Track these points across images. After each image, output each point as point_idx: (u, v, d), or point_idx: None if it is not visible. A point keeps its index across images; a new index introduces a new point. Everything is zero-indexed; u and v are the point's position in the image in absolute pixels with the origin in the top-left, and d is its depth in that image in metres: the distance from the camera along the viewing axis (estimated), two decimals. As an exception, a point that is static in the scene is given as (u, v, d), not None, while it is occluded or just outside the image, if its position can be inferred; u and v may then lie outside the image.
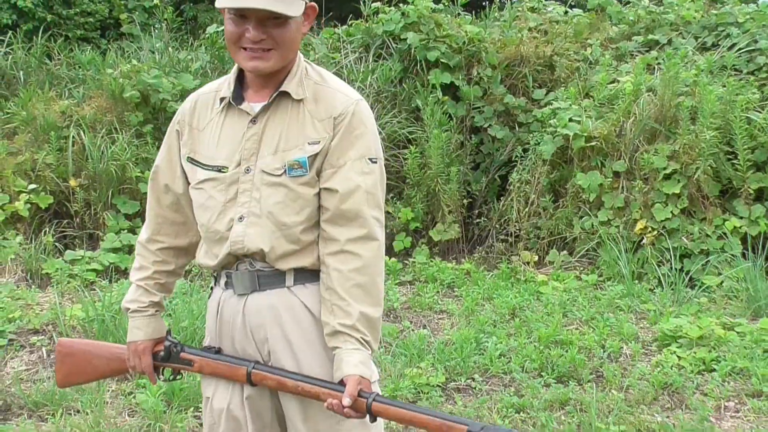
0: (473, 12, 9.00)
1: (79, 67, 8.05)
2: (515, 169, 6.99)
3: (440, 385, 4.50)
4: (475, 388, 4.51)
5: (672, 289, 5.81)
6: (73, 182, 6.67)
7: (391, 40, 7.69)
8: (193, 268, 6.03)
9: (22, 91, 7.31)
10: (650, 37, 7.85)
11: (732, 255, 5.99)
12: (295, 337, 2.23)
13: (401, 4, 7.80)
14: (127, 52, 8.57)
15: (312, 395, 2.15)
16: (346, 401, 2.07)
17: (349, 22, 8.35)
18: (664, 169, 6.34)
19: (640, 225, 6.35)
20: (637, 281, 6.09)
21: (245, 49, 2.17)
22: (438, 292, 6.13)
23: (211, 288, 2.39)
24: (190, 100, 2.38)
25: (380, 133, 2.40)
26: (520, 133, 7.30)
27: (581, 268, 6.51)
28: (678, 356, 4.74)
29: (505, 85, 7.59)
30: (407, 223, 6.93)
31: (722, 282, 5.89)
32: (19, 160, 6.67)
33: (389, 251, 6.86)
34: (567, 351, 4.77)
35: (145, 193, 6.91)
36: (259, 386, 2.23)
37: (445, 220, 6.94)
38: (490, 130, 7.38)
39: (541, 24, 8.20)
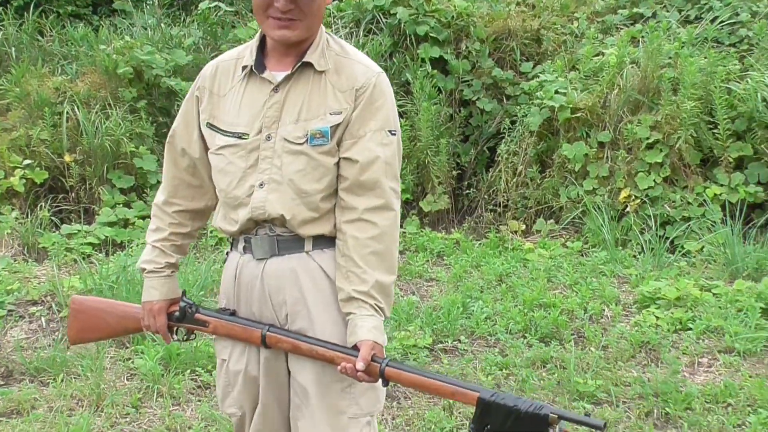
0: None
1: (72, 43, 8.12)
2: (503, 140, 7.13)
3: (427, 346, 4.66)
4: (461, 349, 4.68)
5: (654, 255, 5.97)
6: (67, 158, 6.78)
7: (381, 15, 7.80)
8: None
9: (14, 68, 7.38)
10: (635, 10, 7.96)
11: (712, 221, 6.16)
12: (312, 298, 2.28)
13: (390, -20, 7.90)
14: (120, 28, 8.65)
15: (326, 359, 2.19)
16: (360, 365, 2.12)
17: (340, -2, 8.46)
18: (647, 138, 6.49)
19: (624, 193, 6.50)
20: (620, 248, 6.26)
21: (273, 18, 2.21)
22: (428, 260, 6.29)
23: (227, 253, 2.43)
24: (210, 66, 2.40)
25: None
26: (508, 106, 7.44)
27: (567, 236, 6.68)
28: (656, 316, 4.91)
29: (493, 58, 7.71)
30: (398, 194, 7.06)
31: (702, 247, 6.07)
32: (14, 136, 6.77)
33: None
34: (550, 313, 4.94)
35: (140, 168, 6.98)
36: (274, 348, 2.29)
37: (435, 191, 7.08)
38: (479, 102, 7.51)
39: (529, -2, 8.31)
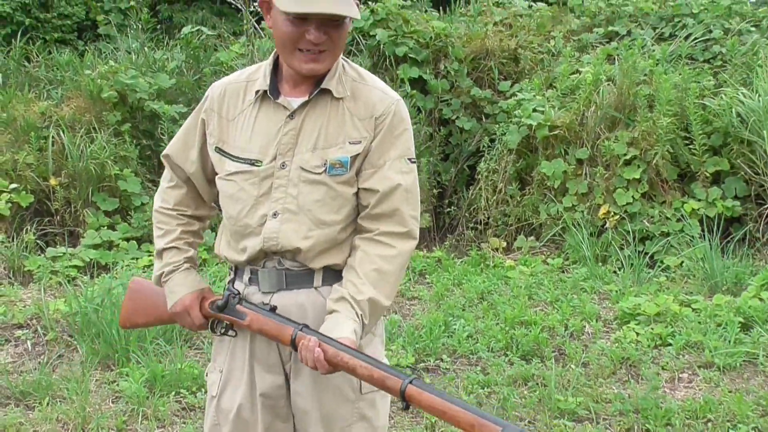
0: (440, 8, 9.23)
1: (57, 68, 8.19)
2: (483, 158, 7.22)
3: (410, 365, 4.70)
4: (443, 368, 4.73)
5: (633, 270, 6.06)
6: (53, 181, 6.82)
7: (360, 36, 7.88)
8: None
9: (1, 93, 7.45)
10: (610, 28, 8.10)
11: (690, 236, 6.26)
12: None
13: (370, 2, 8.00)
14: (104, 52, 8.72)
15: (349, 367, 2.04)
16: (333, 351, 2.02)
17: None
18: (625, 155, 6.59)
19: (603, 210, 6.60)
20: (600, 264, 6.34)
21: (301, 50, 2.12)
22: (410, 279, 6.35)
23: (229, 281, 2.34)
24: (218, 87, 2.32)
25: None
26: (486, 124, 7.54)
27: (548, 253, 6.76)
28: (636, 332, 4.98)
29: (471, 77, 7.82)
30: (380, 213, 7.13)
31: (681, 262, 6.16)
32: (0, 161, 6.81)
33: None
34: (531, 331, 5.00)
35: (125, 191, 6.97)
36: (302, 353, 2.10)
37: (417, 209, 7.14)
38: (458, 121, 7.61)
39: (506, 18, 8.44)
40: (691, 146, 6.55)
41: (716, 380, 4.40)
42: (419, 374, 4.21)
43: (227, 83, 2.32)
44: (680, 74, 6.78)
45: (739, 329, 4.89)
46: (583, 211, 6.68)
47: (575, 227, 6.55)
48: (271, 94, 2.21)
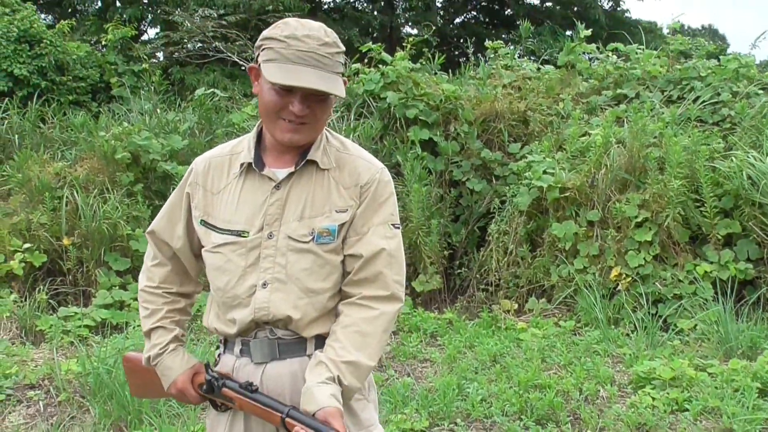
0: (449, 70, 9.35)
1: (72, 129, 8.31)
2: (493, 220, 7.25)
3: (424, 430, 4.67)
4: (458, 432, 4.69)
5: (647, 333, 6.03)
6: (66, 241, 6.86)
7: (371, 99, 7.98)
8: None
9: (17, 155, 7.56)
10: (618, 91, 8.19)
11: (704, 299, 6.23)
12: None
13: (380, 65, 8.11)
14: (118, 114, 8.84)
15: None
16: None
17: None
18: (636, 217, 6.61)
19: (614, 272, 6.59)
20: (613, 326, 6.31)
21: (284, 119, 2.16)
22: (421, 341, 6.34)
23: (219, 355, 2.35)
24: (202, 162, 2.35)
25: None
26: (497, 186, 7.59)
27: (560, 315, 6.73)
28: (652, 397, 4.93)
29: (481, 139, 7.89)
30: (390, 274, 7.13)
31: (695, 325, 6.13)
32: (15, 221, 6.87)
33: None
34: (545, 395, 4.96)
35: (137, 251, 6.98)
36: None
37: (427, 271, 7.16)
38: (468, 183, 7.66)
39: (515, 80, 8.54)
40: (702, 208, 6.57)
41: (735, 446, 4.35)
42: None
43: (211, 157, 2.35)
44: (690, 137, 6.83)
45: (757, 395, 4.84)
46: (594, 273, 6.68)
47: (587, 289, 6.54)
48: (256, 165, 2.24)
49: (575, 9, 20.03)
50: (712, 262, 6.49)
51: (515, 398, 4.95)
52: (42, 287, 6.69)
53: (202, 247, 2.32)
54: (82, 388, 5.09)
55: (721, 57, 8.13)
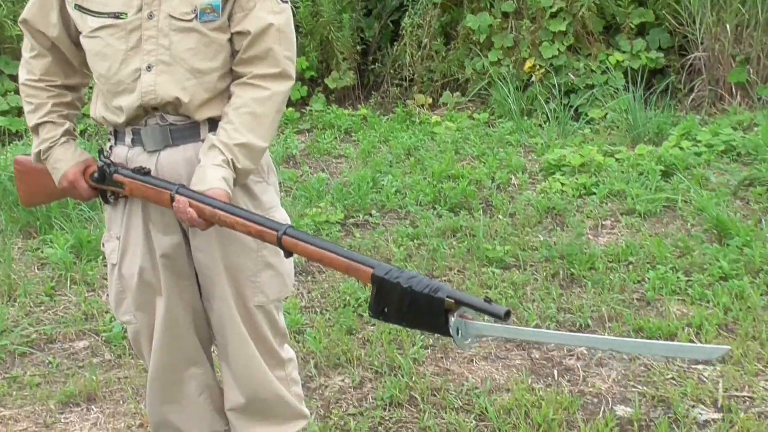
0: None
1: None
2: (407, 13, 7.06)
3: (339, 221, 4.71)
4: (372, 222, 4.75)
5: (558, 123, 6.09)
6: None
7: None
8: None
9: None
10: None
11: (615, 88, 6.29)
12: None
13: None
14: None
15: (228, 224, 2.05)
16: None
17: None
18: (551, 7, 6.52)
19: (528, 63, 6.57)
20: (526, 117, 6.36)
21: None
22: (336, 138, 6.31)
23: (110, 147, 2.27)
24: None
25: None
26: (410, -22, 7.34)
27: (473, 108, 6.75)
28: (561, 183, 5.05)
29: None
30: (302, 72, 7.00)
31: (605, 114, 6.22)
32: None
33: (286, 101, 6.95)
34: (458, 184, 5.03)
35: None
36: (177, 215, 2.10)
37: (340, 67, 7.02)
38: (381, -26, 7.39)
39: None
40: (617, -3, 6.51)
41: (637, 226, 4.51)
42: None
43: None
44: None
45: (659, 177, 4.99)
46: (508, 65, 6.64)
47: (501, 81, 6.52)
48: None
49: None
50: (624, 52, 6.51)
51: (429, 189, 5.00)
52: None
53: (80, 33, 2.19)
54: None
55: None
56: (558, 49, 6.52)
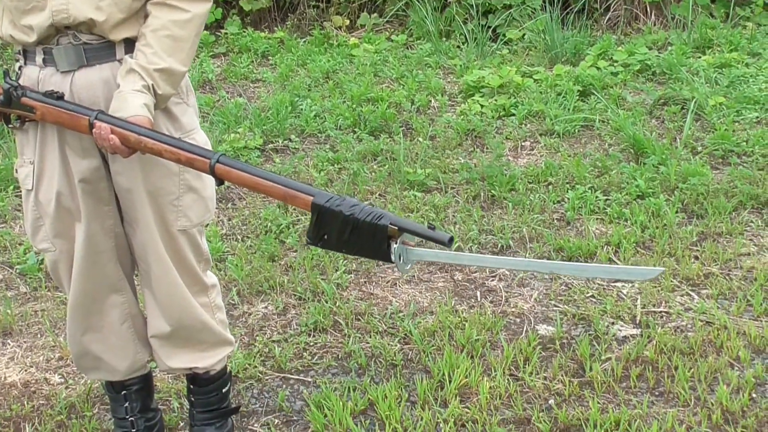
0: None
1: None
2: (322, -68, 6.88)
3: (258, 147, 4.63)
4: (291, 147, 4.68)
5: (477, 44, 6.06)
6: None
7: None
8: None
9: None
10: None
11: (532, 8, 6.28)
12: None
13: None
14: None
15: (154, 152, 1.99)
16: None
17: None
18: (467, -76, 6.42)
19: (446, -17, 6.49)
20: (444, 39, 6.31)
21: None
22: (252, 61, 6.17)
23: (19, 68, 2.15)
24: None
25: None
26: None
27: (392, 30, 6.66)
28: (480, 105, 5.05)
29: None
30: (216, -7, 6.79)
31: (523, 35, 6.21)
32: None
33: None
34: (378, 107, 4.97)
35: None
36: (98, 142, 2.03)
37: (255, -12, 6.83)
38: None
39: None
40: None
41: (556, 146, 4.55)
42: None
43: None
44: None
45: (577, 97, 5.03)
46: (426, -14, 6.56)
47: (419, 2, 6.44)
48: None
49: None
50: (541, -29, 6.48)
51: (348, 112, 4.95)
52: None
53: None
54: None
55: None
56: (475, -31, 6.45)
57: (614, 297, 3.21)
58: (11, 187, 4.18)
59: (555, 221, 3.82)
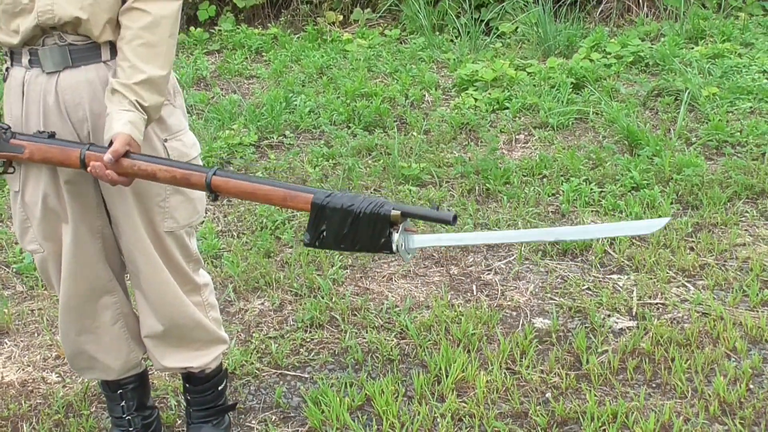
0: None
1: None
2: (314, -73, 6.88)
3: (253, 143, 4.62)
4: (286, 143, 4.67)
5: (470, 38, 6.06)
6: None
7: None
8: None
9: None
10: None
11: (525, 1, 6.27)
12: None
13: None
14: None
15: (149, 176, 2.00)
16: (107, 158, 1.95)
17: None
18: None
19: (438, -23, 6.48)
20: (437, 33, 6.31)
21: None
22: (246, 58, 6.17)
23: (7, 69, 2.15)
24: None
25: None
26: None
27: (385, 24, 6.67)
28: (474, 98, 5.04)
29: None
30: (209, -10, 6.78)
31: (516, 28, 6.21)
32: None
33: (194, 22, 6.76)
34: (372, 102, 4.98)
35: None
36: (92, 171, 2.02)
37: (248, -15, 6.82)
38: None
39: None
40: None
41: (550, 139, 4.55)
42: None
43: None
44: None
45: (571, 90, 5.03)
46: (418, -20, 6.55)
47: (412, -3, 6.44)
48: None
49: None
50: (534, -36, 6.48)
51: (343, 108, 4.94)
52: None
53: None
54: None
55: None
56: (468, -38, 6.45)
57: (610, 289, 3.22)
58: (5, 186, 4.17)
59: (550, 214, 3.82)
